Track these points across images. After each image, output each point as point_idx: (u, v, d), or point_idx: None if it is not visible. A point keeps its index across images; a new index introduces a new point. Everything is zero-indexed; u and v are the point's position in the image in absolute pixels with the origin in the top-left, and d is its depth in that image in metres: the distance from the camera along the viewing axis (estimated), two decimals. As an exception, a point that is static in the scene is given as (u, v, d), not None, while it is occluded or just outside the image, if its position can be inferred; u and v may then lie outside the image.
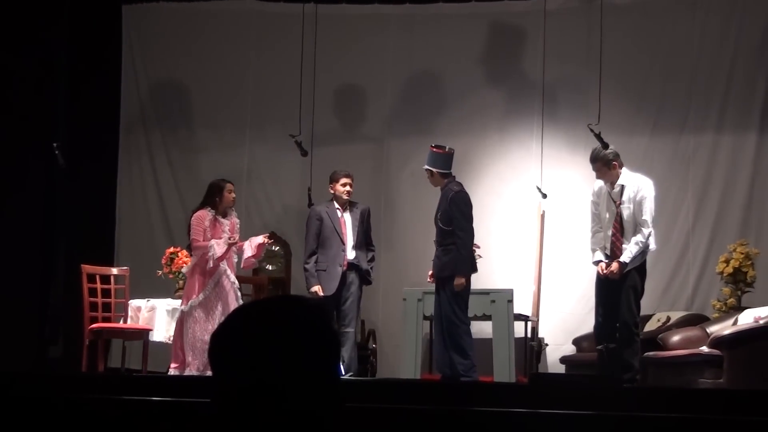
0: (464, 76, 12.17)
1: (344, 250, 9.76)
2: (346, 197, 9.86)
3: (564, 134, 11.58)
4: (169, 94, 12.87)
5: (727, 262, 10.71)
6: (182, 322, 9.36)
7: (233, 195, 9.55)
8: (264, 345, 1.86)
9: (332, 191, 9.90)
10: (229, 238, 9.27)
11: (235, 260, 9.55)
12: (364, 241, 9.88)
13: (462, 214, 9.24)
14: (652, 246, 8.96)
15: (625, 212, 8.88)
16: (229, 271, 9.40)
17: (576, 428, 4.94)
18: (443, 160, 9.41)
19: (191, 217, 9.53)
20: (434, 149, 9.48)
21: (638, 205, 8.85)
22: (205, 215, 9.38)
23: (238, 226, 9.64)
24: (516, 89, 12.00)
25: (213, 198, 9.47)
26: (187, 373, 9.08)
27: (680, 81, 11.60)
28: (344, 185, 9.84)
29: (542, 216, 11.16)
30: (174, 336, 9.55)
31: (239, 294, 9.52)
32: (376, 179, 12.02)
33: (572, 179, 11.35)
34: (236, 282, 9.49)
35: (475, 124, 12.04)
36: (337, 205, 9.87)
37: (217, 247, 9.22)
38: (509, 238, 11.65)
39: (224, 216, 9.49)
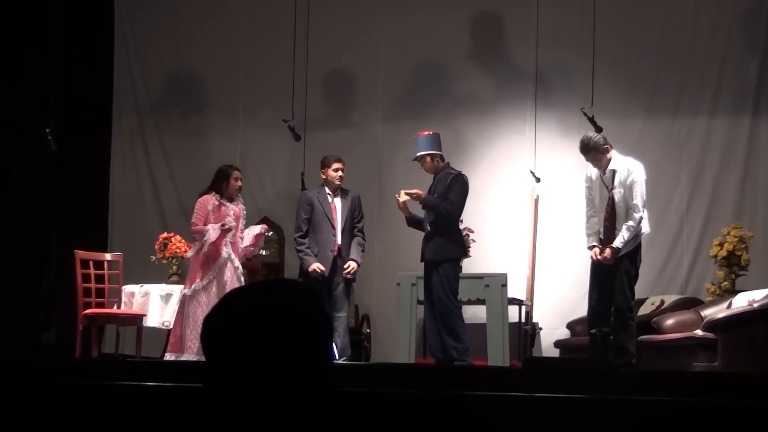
0: (457, 61, 12.14)
1: (335, 235, 9.73)
2: (339, 182, 9.83)
3: (557, 118, 11.56)
4: (161, 80, 12.84)
5: (721, 245, 10.71)
6: (184, 305, 9.35)
7: (239, 183, 9.55)
8: (256, 328, 1.85)
9: (324, 176, 9.86)
10: (223, 224, 9.26)
11: (240, 247, 9.52)
12: (351, 229, 9.84)
13: (461, 193, 9.20)
14: (646, 229, 8.93)
15: (617, 197, 8.85)
16: (233, 256, 9.39)
17: (570, 412, 4.94)
18: (435, 141, 9.38)
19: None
20: (422, 134, 9.45)
21: (629, 190, 8.82)
22: (209, 200, 9.39)
23: (245, 212, 9.63)
24: (509, 74, 11.96)
25: (219, 183, 9.48)
26: (185, 357, 9.08)
27: (674, 64, 11.58)
28: (336, 170, 9.80)
29: (536, 200, 11.15)
30: (174, 322, 9.54)
31: (243, 280, 9.51)
32: (369, 164, 11.99)
33: (566, 163, 11.33)
34: (240, 268, 9.47)
35: (468, 109, 12.01)
36: (328, 191, 9.84)
37: (212, 231, 9.21)
38: (503, 223, 11.64)
39: (230, 201, 9.48)
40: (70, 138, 11.38)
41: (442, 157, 9.39)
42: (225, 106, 12.61)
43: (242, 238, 9.52)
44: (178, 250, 10.58)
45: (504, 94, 11.96)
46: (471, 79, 12.09)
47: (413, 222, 9.46)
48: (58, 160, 10.74)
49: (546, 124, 11.53)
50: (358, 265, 9.76)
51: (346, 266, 9.69)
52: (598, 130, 9.24)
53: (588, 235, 9.07)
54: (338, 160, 9.85)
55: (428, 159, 9.34)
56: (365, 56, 12.36)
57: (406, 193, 9.23)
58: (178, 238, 10.72)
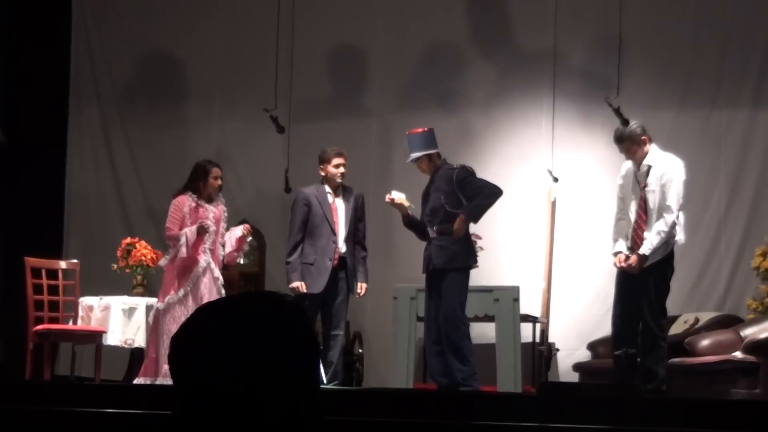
0: (464, 43, 12.14)
1: (335, 242, 9.64)
2: (340, 180, 9.75)
3: (578, 109, 11.56)
4: (126, 63, 12.84)
5: (764, 255, 10.72)
6: (157, 321, 9.33)
7: (219, 182, 9.55)
8: (231, 348, 1.84)
9: (323, 173, 9.77)
10: (200, 223, 9.25)
11: (221, 254, 9.53)
12: (354, 235, 9.78)
13: (481, 182, 9.18)
14: (680, 237, 8.89)
15: (650, 196, 8.84)
16: (213, 265, 9.39)
17: (591, 445, 4.94)
18: (430, 139, 9.37)
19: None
20: (415, 132, 9.42)
21: (663, 189, 8.81)
22: (184, 201, 9.37)
23: (226, 215, 9.63)
24: (523, 58, 11.96)
25: (196, 182, 9.46)
26: (159, 381, 9.05)
27: (711, 48, 11.58)
28: (338, 166, 9.71)
29: (553, 203, 11.15)
30: (148, 340, 9.52)
31: (223, 291, 9.51)
32: (363, 159, 11.98)
33: (587, 161, 11.34)
34: (221, 278, 9.48)
35: (476, 97, 12.02)
36: (328, 189, 9.77)
37: (189, 233, 9.20)
38: (516, 228, 11.64)
39: (209, 201, 9.48)
40: (20, 128, 11.37)
41: (438, 154, 9.40)
42: (199, 94, 12.62)
43: (223, 245, 9.52)
44: (143, 258, 10.56)
45: (517, 81, 11.95)
46: (479, 62, 12.09)
47: (411, 224, 9.43)
48: (7, 154, 10.74)
49: (565, 115, 11.53)
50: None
51: (359, 290, 9.70)
52: (625, 123, 9.23)
53: (614, 240, 9.05)
54: (339, 154, 9.75)
55: (425, 160, 9.34)
56: (359, 37, 12.37)
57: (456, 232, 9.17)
58: (144, 243, 10.71)
